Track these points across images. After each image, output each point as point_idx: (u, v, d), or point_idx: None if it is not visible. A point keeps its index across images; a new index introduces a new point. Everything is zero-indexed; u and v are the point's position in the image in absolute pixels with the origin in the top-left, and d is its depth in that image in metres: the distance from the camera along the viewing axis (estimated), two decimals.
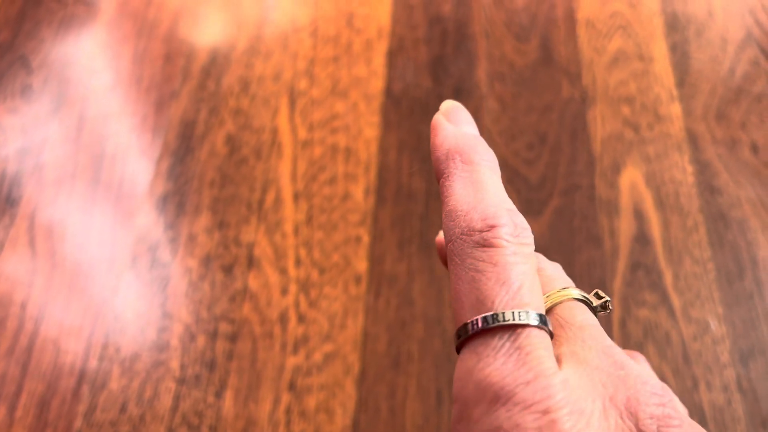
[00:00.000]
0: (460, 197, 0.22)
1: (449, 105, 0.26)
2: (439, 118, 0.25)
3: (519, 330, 0.19)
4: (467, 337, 0.20)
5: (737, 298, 0.55)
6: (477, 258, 0.20)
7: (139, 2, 0.70)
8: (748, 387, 0.51)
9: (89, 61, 0.67)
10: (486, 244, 0.20)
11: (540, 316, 0.19)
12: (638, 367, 0.20)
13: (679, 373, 0.52)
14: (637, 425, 0.18)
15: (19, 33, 0.68)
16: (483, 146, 0.24)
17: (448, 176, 0.23)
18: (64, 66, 0.66)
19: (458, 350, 0.21)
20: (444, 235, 0.22)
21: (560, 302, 0.22)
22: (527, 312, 0.19)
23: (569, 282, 0.23)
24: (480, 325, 0.19)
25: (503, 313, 0.19)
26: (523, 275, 0.20)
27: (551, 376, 0.18)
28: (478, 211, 0.21)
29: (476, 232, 0.21)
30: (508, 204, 0.22)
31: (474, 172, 0.23)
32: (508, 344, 0.19)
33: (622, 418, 0.18)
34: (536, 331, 0.19)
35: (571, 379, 0.18)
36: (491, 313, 0.19)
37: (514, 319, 0.19)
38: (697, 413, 0.50)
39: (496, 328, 0.19)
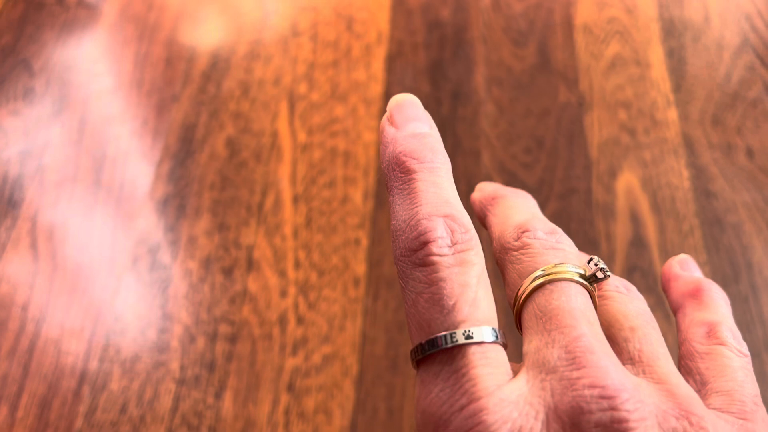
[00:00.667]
0: (397, 215, 0.21)
1: (393, 103, 0.24)
2: (382, 123, 0.23)
3: (455, 351, 0.18)
4: (416, 365, 0.19)
5: (732, 301, 0.56)
6: (416, 279, 0.19)
7: (141, 6, 0.71)
8: None
9: (91, 65, 0.67)
10: (422, 263, 0.19)
11: (479, 330, 0.18)
12: (603, 359, 0.17)
13: None
14: None
15: (21, 36, 0.68)
16: (425, 147, 0.22)
17: (390, 191, 0.22)
18: (66, 69, 0.67)
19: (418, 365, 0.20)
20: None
21: (543, 285, 0.20)
22: (463, 331, 0.18)
23: (568, 253, 0.21)
24: (420, 353, 0.19)
25: (436, 338, 0.18)
26: (460, 288, 0.19)
27: (486, 398, 0.17)
28: (412, 228, 0.20)
29: (413, 252, 0.20)
30: (446, 208, 0.20)
31: (410, 182, 0.21)
32: (446, 369, 0.18)
33: (563, 429, 0.16)
34: (475, 348, 0.18)
35: (512, 393, 0.17)
36: (428, 338, 0.18)
37: (446, 343, 0.18)
38: None
39: (436, 353, 0.18)
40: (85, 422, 0.51)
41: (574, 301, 0.19)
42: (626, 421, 0.16)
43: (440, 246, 0.19)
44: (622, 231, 0.60)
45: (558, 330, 0.18)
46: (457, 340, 0.18)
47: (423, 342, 0.18)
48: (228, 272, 0.57)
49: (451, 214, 0.20)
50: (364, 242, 0.58)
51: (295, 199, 0.60)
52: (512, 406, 0.17)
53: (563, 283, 0.20)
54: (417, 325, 0.19)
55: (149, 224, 0.59)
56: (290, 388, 0.52)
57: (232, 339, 0.54)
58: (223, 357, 0.53)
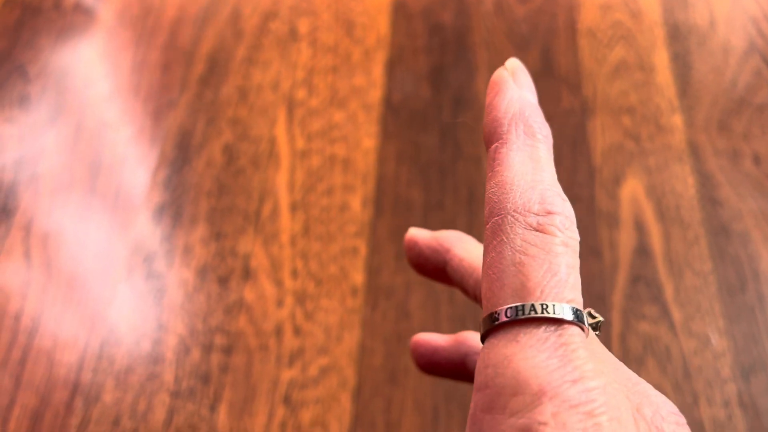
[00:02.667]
0: (517, 170, 0.21)
1: (515, 64, 0.24)
2: (504, 76, 0.23)
3: (566, 326, 0.18)
4: (506, 322, 0.19)
5: (738, 311, 0.55)
6: (528, 241, 0.19)
7: (138, 11, 0.70)
8: (749, 402, 0.51)
9: (87, 71, 0.67)
10: (540, 229, 0.19)
11: (583, 315, 0.19)
12: (648, 384, 0.19)
13: (680, 388, 0.51)
14: None
15: (18, 42, 0.68)
16: (544, 121, 0.22)
17: (506, 143, 0.21)
18: (62, 75, 0.66)
19: (488, 334, 0.19)
20: (487, 205, 0.21)
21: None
22: (573, 309, 0.18)
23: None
24: (526, 312, 0.18)
25: (553, 305, 0.18)
26: (571, 269, 0.19)
27: (593, 379, 0.17)
28: (537, 192, 0.20)
29: (532, 214, 0.20)
30: (562, 192, 0.21)
31: (535, 148, 0.21)
32: (554, 338, 0.18)
33: (650, 430, 0.18)
34: (578, 329, 0.18)
35: (607, 385, 0.18)
36: (540, 302, 0.18)
37: (563, 314, 0.18)
38: (697, 429, 0.50)
39: (542, 319, 0.18)
40: None
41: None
42: None
43: (563, 222, 0.20)
44: (626, 239, 0.58)
45: (601, 351, 0.20)
46: (572, 317, 0.18)
47: (534, 303, 0.18)
48: (224, 281, 0.56)
49: (566, 199, 0.21)
50: (363, 251, 0.57)
51: (293, 207, 0.59)
52: (610, 395, 0.18)
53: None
54: (520, 284, 0.19)
55: (145, 232, 0.58)
56: (286, 400, 0.51)
57: (228, 350, 0.53)
58: (218, 368, 0.52)
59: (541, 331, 0.18)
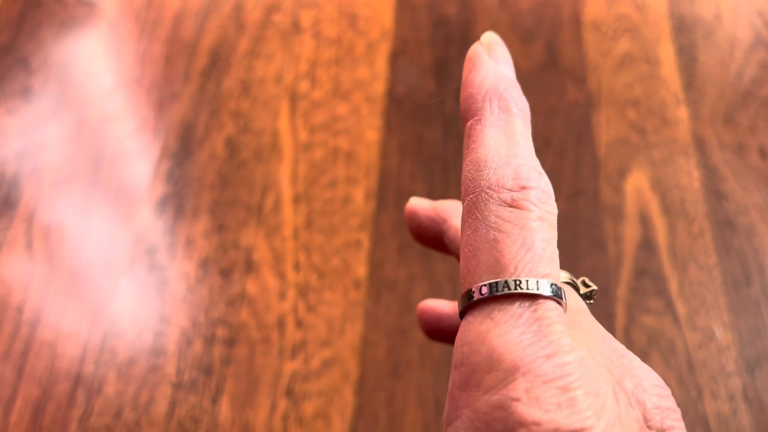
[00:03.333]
0: (491, 147, 0.20)
1: (491, 38, 0.23)
2: (479, 50, 0.23)
3: (540, 301, 0.18)
4: (481, 299, 0.18)
5: (743, 305, 0.54)
6: (502, 217, 0.19)
7: (140, 3, 0.70)
8: (754, 397, 0.50)
9: (89, 63, 0.66)
10: (514, 205, 0.19)
11: (560, 289, 0.19)
12: (635, 356, 0.19)
13: (684, 382, 0.51)
14: (644, 414, 0.17)
15: (20, 34, 0.67)
16: (520, 95, 0.22)
17: (480, 120, 0.21)
18: (65, 67, 0.66)
19: (465, 312, 0.19)
20: (463, 183, 0.21)
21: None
22: (549, 283, 0.18)
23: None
24: (499, 289, 0.18)
25: (527, 280, 0.18)
26: (546, 243, 0.19)
27: (568, 353, 0.17)
28: (511, 167, 0.20)
29: (505, 190, 0.19)
30: (539, 166, 0.21)
31: (510, 123, 0.21)
32: (528, 313, 0.18)
33: (630, 404, 0.17)
34: (555, 304, 0.18)
35: (584, 359, 0.18)
36: (513, 278, 0.18)
37: (538, 289, 0.18)
38: (701, 423, 0.49)
39: (516, 295, 0.18)
40: (80, 427, 0.50)
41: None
42: (674, 410, 0.19)
43: (538, 197, 0.19)
44: (630, 233, 0.58)
45: (588, 323, 0.20)
46: (548, 292, 0.18)
47: (507, 279, 0.18)
48: (226, 274, 0.56)
49: (543, 173, 0.20)
50: (366, 244, 0.57)
51: (296, 200, 0.59)
52: (587, 369, 0.17)
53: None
54: (494, 261, 0.19)
55: (147, 225, 0.58)
56: (289, 393, 0.51)
57: (230, 342, 0.53)
58: (220, 361, 0.52)
59: (516, 307, 0.18)
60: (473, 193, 0.20)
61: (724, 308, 0.54)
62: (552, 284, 0.18)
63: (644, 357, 0.52)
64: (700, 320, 0.54)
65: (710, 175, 0.61)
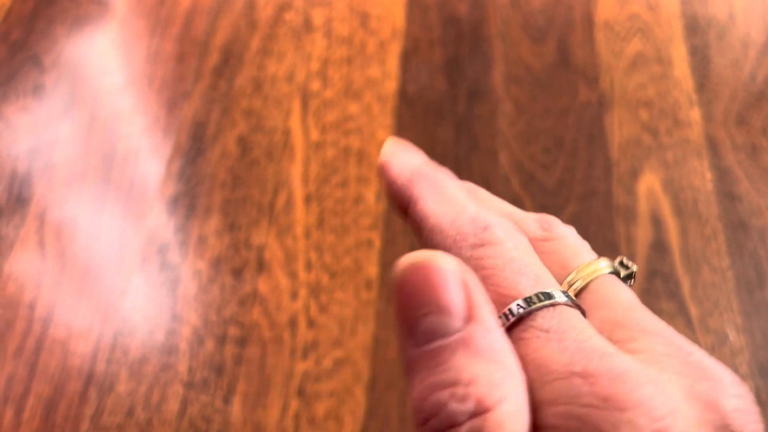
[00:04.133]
0: (440, 213, 0.21)
1: (390, 145, 0.25)
2: (385, 156, 0.24)
3: (559, 308, 0.18)
4: (507, 328, 0.18)
5: (757, 308, 0.54)
6: (480, 256, 0.19)
7: (152, 1, 0.70)
8: (767, 401, 0.50)
9: (101, 61, 0.67)
10: (485, 243, 0.19)
11: (568, 294, 0.18)
12: (703, 352, 0.18)
13: None
14: (723, 418, 0.17)
15: (33, 32, 0.67)
16: (435, 166, 0.23)
17: (418, 199, 0.22)
18: (77, 65, 0.66)
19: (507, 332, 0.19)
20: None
21: (595, 278, 0.20)
22: (557, 291, 0.18)
23: (591, 251, 0.22)
24: (516, 311, 0.18)
25: (536, 295, 0.18)
26: (533, 266, 0.19)
27: (615, 354, 0.17)
28: (465, 218, 0.20)
29: (470, 235, 0.20)
30: (482, 206, 0.21)
31: (443, 190, 0.22)
32: (555, 322, 0.18)
33: (706, 408, 0.17)
34: (572, 308, 0.18)
35: (635, 362, 0.17)
36: (523, 296, 0.18)
37: (553, 298, 0.18)
38: None
39: (535, 310, 0.18)
40: (92, 425, 0.50)
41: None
42: (753, 412, 0.17)
43: (501, 231, 0.20)
44: (642, 234, 0.58)
45: (645, 319, 0.19)
46: (561, 299, 0.18)
47: (519, 301, 0.18)
48: (238, 273, 0.56)
49: (497, 215, 0.21)
50: (377, 244, 0.57)
51: (307, 199, 0.59)
52: (648, 366, 0.17)
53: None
54: (495, 295, 0.19)
55: (159, 223, 0.58)
56: (300, 393, 0.51)
57: (242, 342, 0.53)
58: (232, 360, 0.52)
59: (539, 321, 0.18)
60: (453, 249, 0.20)
61: (737, 311, 0.54)
62: (559, 292, 0.18)
63: None
64: (713, 323, 0.54)
65: (723, 176, 0.61)
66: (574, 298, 0.18)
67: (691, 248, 0.57)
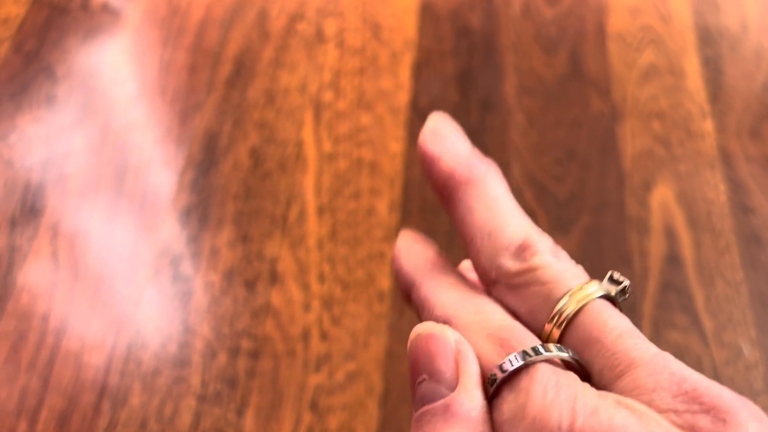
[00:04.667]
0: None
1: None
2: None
3: (535, 368, 0.18)
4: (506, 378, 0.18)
5: None
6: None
7: (165, 12, 0.70)
8: None
9: (114, 72, 0.67)
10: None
11: (540, 349, 0.18)
12: (698, 375, 0.17)
13: None
14: None
15: (45, 42, 0.68)
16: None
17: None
18: (89, 76, 0.66)
19: (496, 394, 0.19)
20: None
21: (584, 305, 0.20)
22: (559, 347, 0.18)
23: (580, 272, 0.21)
24: (498, 375, 0.18)
25: (510, 358, 0.18)
26: (508, 328, 0.19)
27: (608, 407, 0.17)
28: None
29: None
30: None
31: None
32: (533, 384, 0.18)
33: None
34: (546, 364, 0.18)
35: (621, 414, 0.17)
36: (497, 365, 0.18)
37: (528, 357, 0.18)
38: None
39: (512, 374, 0.18)
40: None
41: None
42: None
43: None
44: (656, 247, 0.58)
45: (634, 349, 0.19)
46: (558, 352, 0.18)
47: (502, 363, 0.18)
48: (251, 285, 0.56)
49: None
50: (390, 256, 0.57)
51: (320, 211, 0.59)
52: (634, 416, 0.17)
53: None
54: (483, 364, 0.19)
55: (171, 235, 0.58)
56: (313, 406, 0.51)
57: (255, 354, 0.53)
58: (245, 373, 0.52)
59: (540, 374, 0.18)
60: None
61: (752, 324, 0.54)
62: (568, 351, 0.18)
63: None
64: (728, 337, 0.54)
65: (736, 188, 0.61)
66: (548, 348, 0.18)
67: (705, 261, 0.57)
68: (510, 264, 0.21)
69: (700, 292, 0.56)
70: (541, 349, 0.18)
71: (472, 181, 0.22)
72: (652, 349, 0.18)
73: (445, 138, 0.23)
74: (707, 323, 0.54)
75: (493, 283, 0.21)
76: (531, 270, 0.20)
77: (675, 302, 0.55)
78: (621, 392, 0.18)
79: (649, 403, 0.17)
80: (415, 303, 0.22)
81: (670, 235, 0.58)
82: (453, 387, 0.18)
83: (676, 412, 0.17)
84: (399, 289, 0.24)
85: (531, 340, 0.19)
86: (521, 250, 0.21)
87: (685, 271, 0.57)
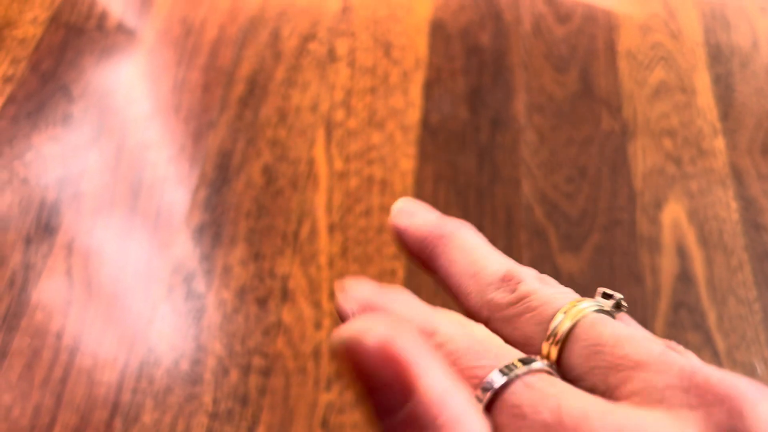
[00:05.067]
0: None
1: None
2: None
3: (527, 378, 0.17)
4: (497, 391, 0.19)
5: None
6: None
7: (179, 32, 0.71)
8: None
9: (129, 90, 0.68)
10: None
11: (531, 360, 0.18)
12: (709, 367, 0.17)
13: None
14: None
15: (62, 62, 0.69)
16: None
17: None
18: (105, 95, 0.67)
19: (490, 408, 0.19)
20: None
21: (578, 321, 0.20)
22: (519, 364, 0.18)
23: (570, 292, 0.21)
24: (488, 388, 0.18)
25: (501, 369, 0.18)
26: (494, 347, 0.20)
27: (611, 408, 0.16)
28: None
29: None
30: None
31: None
32: (526, 396, 0.18)
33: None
34: (540, 374, 0.18)
35: (627, 413, 0.16)
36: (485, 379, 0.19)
37: (516, 369, 0.18)
38: None
39: (503, 387, 0.18)
40: None
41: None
42: None
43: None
44: (667, 265, 0.58)
45: (636, 353, 0.18)
46: (527, 368, 0.18)
47: (488, 378, 0.18)
48: (262, 303, 0.56)
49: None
50: (400, 273, 0.57)
51: (331, 228, 0.59)
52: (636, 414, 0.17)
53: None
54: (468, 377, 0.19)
55: (185, 252, 0.58)
56: (324, 424, 0.51)
57: (266, 372, 0.53)
58: (256, 391, 0.52)
59: (536, 384, 0.18)
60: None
61: (765, 343, 0.54)
62: (524, 360, 0.18)
63: None
64: (741, 355, 0.53)
65: (748, 206, 0.60)
66: (541, 361, 0.18)
67: (717, 279, 0.57)
68: (499, 297, 0.21)
69: (713, 311, 0.55)
70: (517, 365, 0.18)
71: (447, 236, 0.23)
72: (657, 347, 0.18)
73: (413, 212, 0.25)
74: (720, 342, 0.54)
75: (486, 321, 0.21)
76: (521, 299, 0.21)
77: (687, 321, 0.55)
78: (630, 395, 0.18)
79: (661, 401, 0.17)
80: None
81: (682, 253, 0.58)
82: (406, 394, 0.17)
83: (690, 406, 0.17)
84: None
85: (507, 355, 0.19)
86: (506, 281, 0.21)
87: (697, 289, 0.57)
